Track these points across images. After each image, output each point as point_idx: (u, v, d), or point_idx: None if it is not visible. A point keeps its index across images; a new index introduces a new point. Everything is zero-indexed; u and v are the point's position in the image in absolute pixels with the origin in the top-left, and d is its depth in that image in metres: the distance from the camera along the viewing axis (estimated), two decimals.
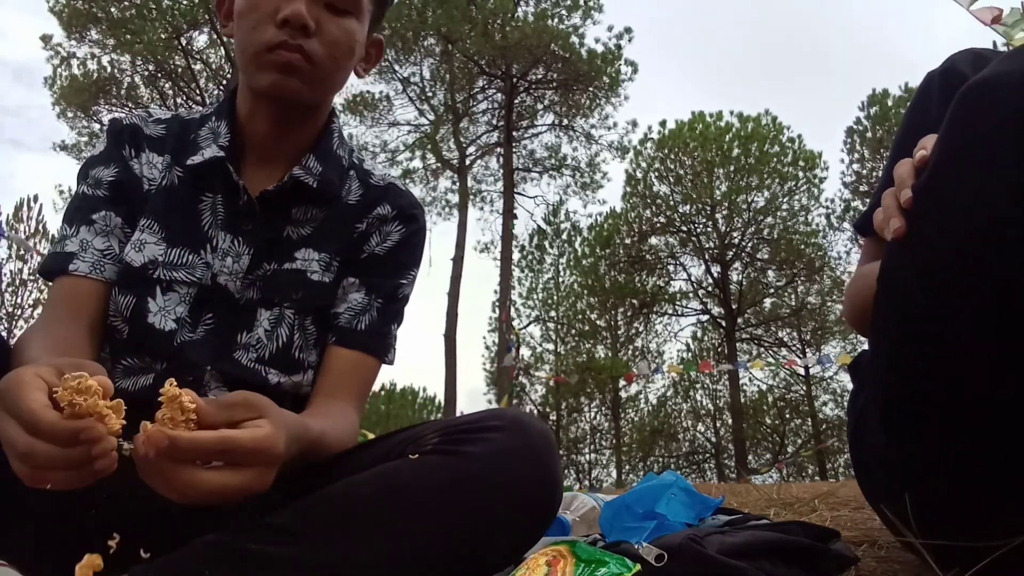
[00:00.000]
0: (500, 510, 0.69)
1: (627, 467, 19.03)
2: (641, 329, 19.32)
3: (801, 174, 17.05)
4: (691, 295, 18.40)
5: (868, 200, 1.01)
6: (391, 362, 0.96)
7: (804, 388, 18.24)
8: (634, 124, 16.24)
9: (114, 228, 0.90)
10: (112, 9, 13.83)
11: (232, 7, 0.93)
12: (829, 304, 16.98)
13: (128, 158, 0.93)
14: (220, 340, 0.88)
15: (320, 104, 0.96)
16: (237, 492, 0.59)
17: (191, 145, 0.94)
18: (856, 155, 17.13)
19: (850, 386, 1.00)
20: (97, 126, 14.20)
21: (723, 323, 17.55)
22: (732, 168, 17.01)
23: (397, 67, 15.67)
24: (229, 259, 0.89)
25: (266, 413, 0.62)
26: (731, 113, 17.36)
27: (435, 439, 0.72)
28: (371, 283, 0.95)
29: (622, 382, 17.97)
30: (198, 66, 14.96)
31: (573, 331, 19.47)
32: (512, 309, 17.42)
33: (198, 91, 14.44)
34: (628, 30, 15.02)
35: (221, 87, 15.20)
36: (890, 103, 16.55)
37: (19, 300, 15.39)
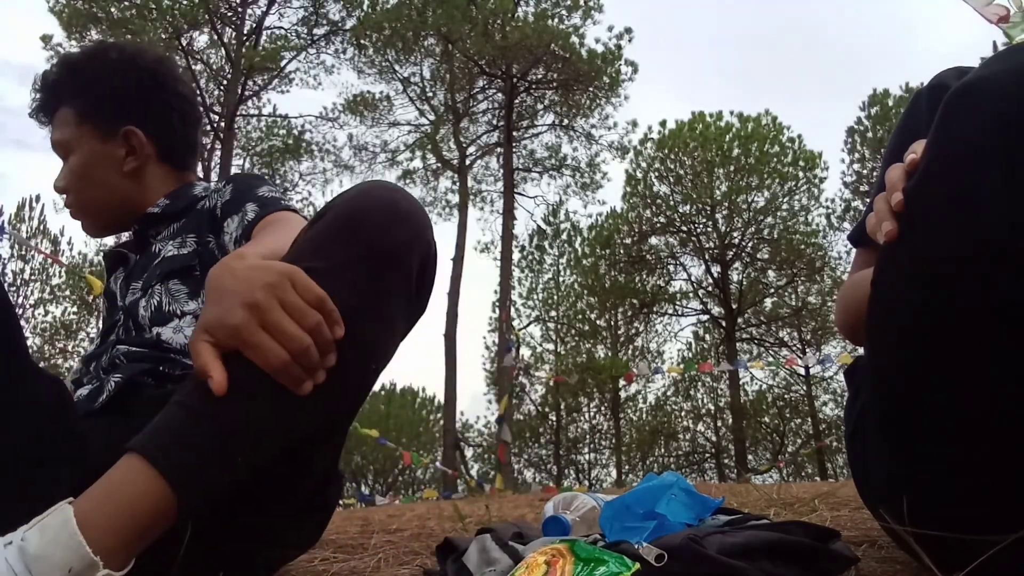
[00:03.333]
0: (380, 224, 0.75)
1: (627, 467, 19.04)
2: (641, 329, 19.35)
3: (801, 174, 17.06)
4: (691, 295, 18.43)
5: (868, 200, 1.01)
6: (299, 212, 1.07)
7: (804, 388, 18.25)
8: (634, 124, 16.26)
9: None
10: (112, 9, 13.83)
11: None
12: (829, 304, 16.98)
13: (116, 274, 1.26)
14: (129, 333, 1.10)
15: (128, 205, 1.19)
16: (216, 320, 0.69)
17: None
18: (856, 155, 17.14)
19: None
20: None
21: (723, 323, 17.56)
22: (732, 168, 17.02)
23: (397, 67, 15.71)
24: (120, 283, 1.17)
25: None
26: (731, 113, 17.39)
27: (309, 223, 0.81)
28: (235, 209, 1.08)
29: (622, 382, 17.98)
30: (198, 66, 14.98)
31: (573, 331, 19.48)
32: (512, 309, 17.45)
33: (198, 91, 14.43)
34: (628, 30, 15.04)
35: (221, 87, 15.22)
36: (890, 103, 16.57)
37: (20, 300, 15.40)
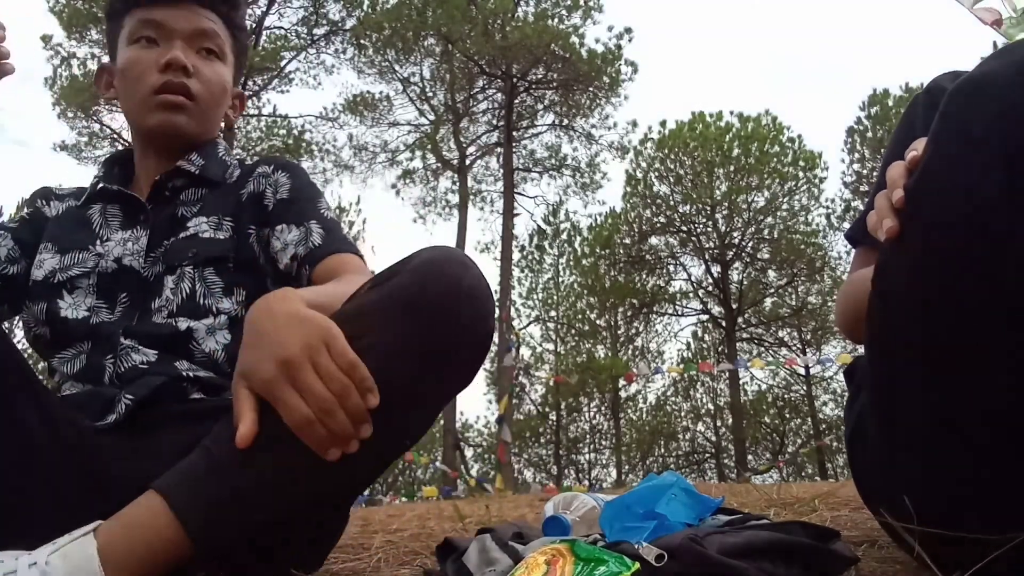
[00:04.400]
0: (441, 304, 0.72)
1: (627, 467, 19.03)
2: (641, 329, 19.34)
3: (801, 174, 17.05)
4: (691, 295, 18.42)
5: (868, 200, 1.02)
6: (363, 258, 1.03)
7: (804, 388, 18.25)
8: (634, 124, 16.25)
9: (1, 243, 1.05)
10: None
11: (110, 77, 1.10)
12: (829, 304, 16.98)
13: (40, 206, 1.11)
14: (136, 312, 0.98)
15: (201, 138, 1.10)
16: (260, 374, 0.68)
17: (83, 195, 1.11)
18: (856, 155, 17.13)
19: None
20: (97, 126, 14.20)
21: (723, 323, 17.56)
22: (732, 168, 17.01)
23: (397, 67, 15.69)
24: (130, 243, 1.02)
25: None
26: (731, 113, 17.37)
27: (367, 285, 0.78)
28: (295, 219, 1.03)
29: (622, 382, 17.98)
30: None
31: (573, 331, 19.47)
32: (512, 309, 17.43)
33: None
34: (628, 30, 15.02)
35: None
36: (890, 103, 16.55)
37: None
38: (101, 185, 1.08)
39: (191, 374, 0.94)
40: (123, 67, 1.05)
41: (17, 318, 1.06)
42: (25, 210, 1.10)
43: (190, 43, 1.05)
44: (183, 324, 0.96)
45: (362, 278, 0.90)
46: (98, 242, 1.03)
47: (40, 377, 0.85)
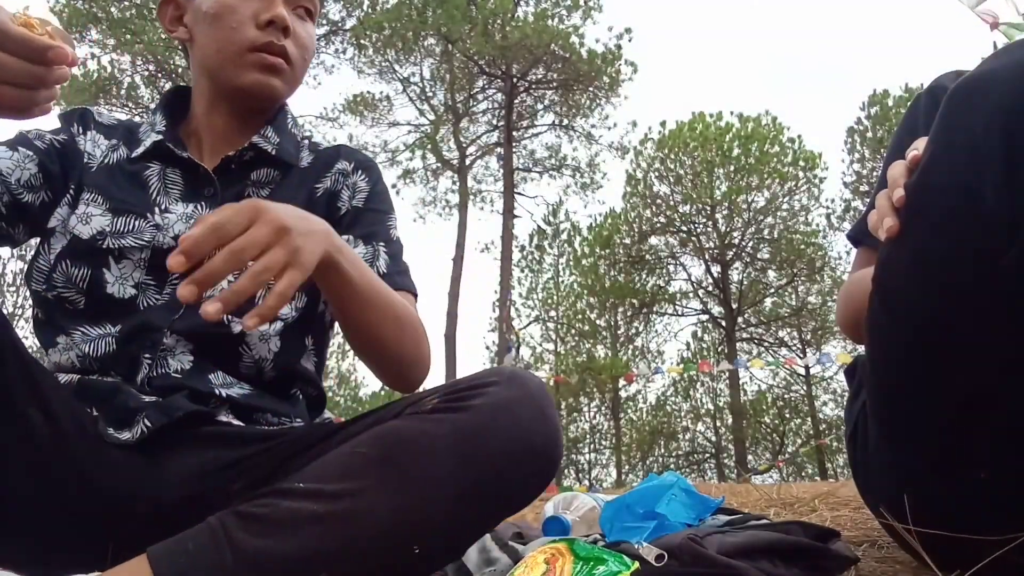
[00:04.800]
0: (505, 456, 0.69)
1: (627, 467, 19.03)
2: (641, 329, 19.32)
3: (801, 174, 17.04)
4: (691, 295, 18.41)
5: (869, 200, 1.02)
6: (416, 298, 0.99)
7: (804, 388, 18.24)
8: (634, 124, 16.31)
9: (23, 163, 0.89)
10: (112, 9, 13.82)
11: (182, 13, 0.98)
12: (830, 304, 16.97)
13: (75, 133, 0.96)
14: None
15: (275, 98, 0.99)
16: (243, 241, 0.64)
17: (135, 140, 0.98)
18: (856, 155, 17.13)
19: None
20: None
21: (723, 323, 17.55)
22: (732, 168, 17.01)
23: (397, 67, 15.67)
24: (194, 221, 0.91)
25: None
26: (731, 113, 17.36)
27: (435, 399, 0.73)
28: (365, 234, 0.98)
29: (622, 382, 17.97)
30: None
31: (573, 331, 19.46)
32: (512, 309, 17.42)
33: None
34: (628, 30, 15.01)
35: None
36: (890, 103, 16.54)
37: (20, 300, 15.40)
38: (166, 144, 0.95)
39: (223, 392, 0.87)
40: (214, 11, 0.92)
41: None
42: (61, 135, 0.95)
43: None
44: (236, 326, 0.88)
45: (417, 325, 0.89)
46: (156, 211, 0.92)
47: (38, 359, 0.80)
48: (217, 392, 0.86)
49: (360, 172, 1.02)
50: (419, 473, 0.67)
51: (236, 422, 0.87)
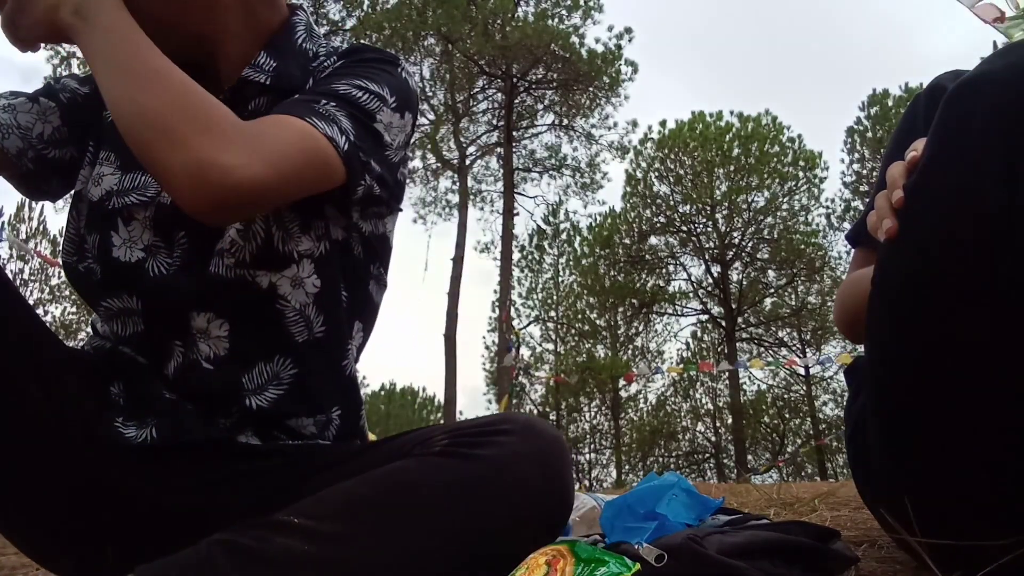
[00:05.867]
0: (508, 515, 0.68)
1: (627, 467, 19.04)
2: (641, 329, 19.34)
3: (801, 174, 17.07)
4: (691, 295, 18.42)
5: (868, 200, 1.02)
6: (336, 145, 0.74)
7: (804, 388, 18.25)
8: (634, 124, 16.25)
9: (46, 115, 0.84)
10: None
11: None
12: (829, 304, 16.97)
13: None
14: (196, 256, 0.79)
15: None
16: None
17: None
18: (856, 155, 17.16)
19: None
20: None
21: (723, 323, 17.56)
22: (732, 168, 17.03)
23: None
24: None
25: None
26: (731, 113, 17.40)
27: (444, 440, 0.70)
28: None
29: (622, 382, 17.98)
30: None
31: (573, 331, 19.48)
32: (512, 309, 17.42)
33: None
34: (628, 30, 15.04)
35: None
36: (890, 103, 16.57)
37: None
38: None
39: (252, 402, 0.80)
40: None
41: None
42: (86, 86, 0.88)
43: None
44: (263, 280, 0.79)
45: (305, 139, 0.71)
46: None
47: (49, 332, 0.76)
48: (246, 402, 0.80)
49: (335, 58, 0.86)
50: (415, 525, 0.65)
51: (254, 442, 0.82)
